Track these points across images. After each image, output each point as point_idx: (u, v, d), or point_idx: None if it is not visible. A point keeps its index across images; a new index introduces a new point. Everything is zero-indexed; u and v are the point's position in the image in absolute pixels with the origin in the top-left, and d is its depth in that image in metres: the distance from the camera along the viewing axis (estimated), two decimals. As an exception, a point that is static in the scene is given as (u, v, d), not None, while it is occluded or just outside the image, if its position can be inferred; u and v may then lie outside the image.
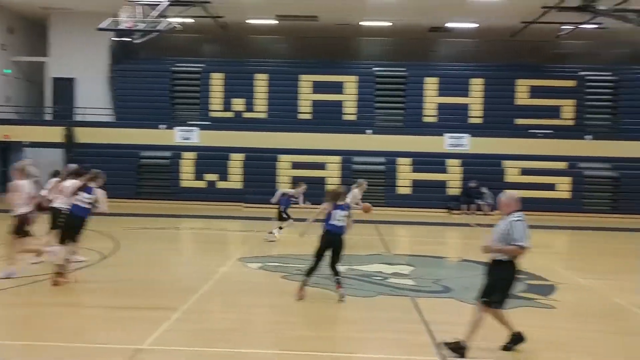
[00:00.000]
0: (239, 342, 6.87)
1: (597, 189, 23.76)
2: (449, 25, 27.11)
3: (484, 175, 23.44)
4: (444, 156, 24.80)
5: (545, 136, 24.79)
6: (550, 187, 23.49)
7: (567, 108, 25.69)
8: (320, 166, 24.41)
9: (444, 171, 24.34)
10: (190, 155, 24.74)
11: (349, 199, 14.46)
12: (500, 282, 6.42)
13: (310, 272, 8.78)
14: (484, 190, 22.83)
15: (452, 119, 25.88)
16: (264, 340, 7.04)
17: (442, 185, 24.17)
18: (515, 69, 26.73)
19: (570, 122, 25.61)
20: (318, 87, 26.45)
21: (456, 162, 24.52)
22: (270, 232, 14.43)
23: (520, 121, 25.61)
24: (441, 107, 26.11)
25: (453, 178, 24.10)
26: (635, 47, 27.41)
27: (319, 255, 8.74)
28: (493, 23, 26.14)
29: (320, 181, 24.04)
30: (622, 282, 11.09)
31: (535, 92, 25.88)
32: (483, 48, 28.14)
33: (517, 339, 6.63)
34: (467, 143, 24.96)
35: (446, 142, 25.10)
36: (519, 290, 9.56)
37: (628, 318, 8.58)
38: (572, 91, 25.87)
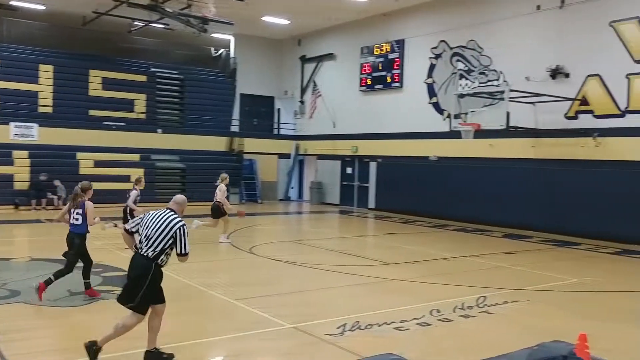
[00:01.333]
0: None
1: (168, 179, 25.30)
2: (13, 3, 24.72)
3: (57, 167, 22.35)
4: (10, 147, 22.62)
5: (119, 128, 25.19)
6: (125, 178, 23.93)
7: (140, 102, 26.61)
8: None
9: (11, 163, 22.19)
10: None
11: (218, 197, 13.92)
12: None
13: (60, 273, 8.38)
14: (57, 183, 21.85)
15: (19, 107, 23.75)
16: None
17: (9, 179, 21.99)
18: (87, 59, 26.20)
19: (143, 116, 26.61)
20: None
21: (24, 153, 22.66)
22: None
23: (94, 112, 25.31)
24: (5, 93, 23.67)
25: (21, 171, 22.19)
26: (198, 49, 30.27)
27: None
28: (63, 8, 25.00)
29: None
30: (192, 264, 12.10)
31: (108, 84, 25.92)
32: (53, 33, 26.64)
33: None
34: (37, 133, 23.36)
35: (12, 132, 22.95)
36: (95, 284, 9.53)
37: (197, 297, 9.42)
38: (144, 86, 26.91)
